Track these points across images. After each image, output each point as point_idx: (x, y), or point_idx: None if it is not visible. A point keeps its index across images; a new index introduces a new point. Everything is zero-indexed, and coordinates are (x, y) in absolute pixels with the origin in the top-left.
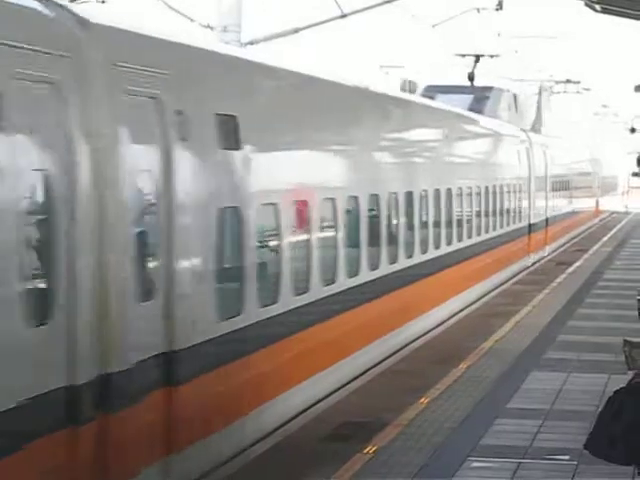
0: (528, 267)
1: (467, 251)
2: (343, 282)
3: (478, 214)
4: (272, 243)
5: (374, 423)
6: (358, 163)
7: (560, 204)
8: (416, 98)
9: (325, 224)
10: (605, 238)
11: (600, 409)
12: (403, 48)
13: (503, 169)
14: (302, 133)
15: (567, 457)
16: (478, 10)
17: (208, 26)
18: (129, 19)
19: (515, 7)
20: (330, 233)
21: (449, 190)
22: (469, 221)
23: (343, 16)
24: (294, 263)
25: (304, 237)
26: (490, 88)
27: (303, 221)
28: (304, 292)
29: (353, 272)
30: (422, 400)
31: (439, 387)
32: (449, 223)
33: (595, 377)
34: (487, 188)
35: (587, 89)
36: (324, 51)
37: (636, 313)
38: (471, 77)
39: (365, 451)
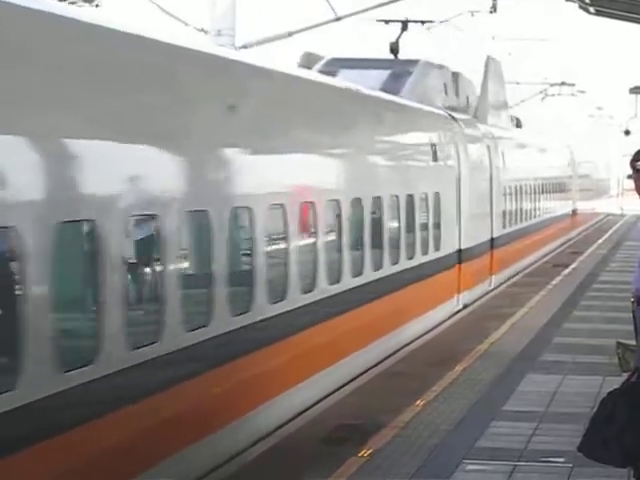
0: (455, 313)
1: (339, 302)
2: None
3: (357, 244)
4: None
5: (369, 425)
6: None
7: (515, 217)
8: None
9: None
10: (600, 240)
11: (594, 411)
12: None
13: (407, 172)
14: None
15: (562, 459)
16: (472, 13)
17: (202, 30)
18: None
19: (509, 10)
20: None
21: (303, 206)
22: (342, 254)
23: (337, 19)
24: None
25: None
26: (414, 62)
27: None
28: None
29: None
30: (418, 402)
31: (435, 389)
32: (303, 259)
33: (590, 379)
34: (375, 201)
35: (582, 91)
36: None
37: (630, 315)
38: (394, 49)
39: (360, 454)
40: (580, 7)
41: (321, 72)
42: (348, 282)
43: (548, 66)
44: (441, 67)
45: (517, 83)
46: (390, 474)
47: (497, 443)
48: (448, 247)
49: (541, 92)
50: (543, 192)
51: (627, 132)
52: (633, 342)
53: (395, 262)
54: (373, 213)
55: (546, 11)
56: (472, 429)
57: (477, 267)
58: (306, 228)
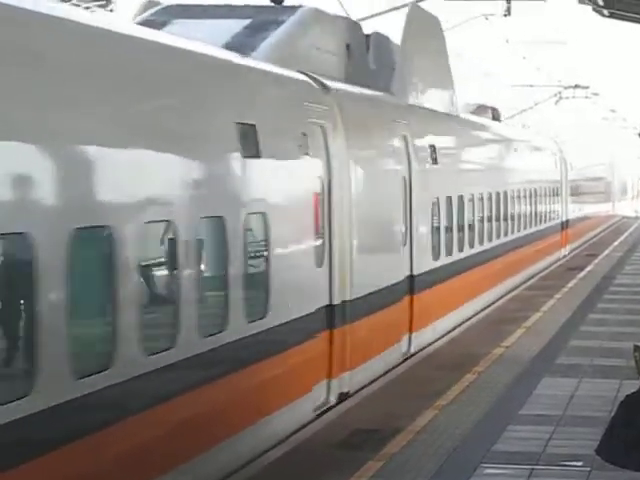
0: (326, 410)
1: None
2: None
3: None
4: None
5: (386, 430)
6: None
7: (460, 242)
8: None
9: None
10: (616, 243)
11: (613, 414)
12: None
13: (162, 180)
14: None
15: (580, 463)
16: (486, 17)
17: None
18: None
19: (523, 13)
20: None
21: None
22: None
23: None
24: None
25: None
26: (291, 10)
27: None
28: None
29: None
30: (434, 407)
31: (451, 394)
32: None
33: (607, 382)
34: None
35: (596, 94)
36: None
37: None
38: None
39: (377, 458)
40: (594, 10)
41: (146, 22)
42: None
43: (562, 69)
44: (342, 22)
45: (531, 86)
46: (407, 478)
47: (514, 447)
48: (297, 306)
49: (555, 95)
50: (511, 202)
51: None
52: None
53: (128, 365)
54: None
55: (560, 14)
56: (489, 433)
57: (376, 328)
58: None
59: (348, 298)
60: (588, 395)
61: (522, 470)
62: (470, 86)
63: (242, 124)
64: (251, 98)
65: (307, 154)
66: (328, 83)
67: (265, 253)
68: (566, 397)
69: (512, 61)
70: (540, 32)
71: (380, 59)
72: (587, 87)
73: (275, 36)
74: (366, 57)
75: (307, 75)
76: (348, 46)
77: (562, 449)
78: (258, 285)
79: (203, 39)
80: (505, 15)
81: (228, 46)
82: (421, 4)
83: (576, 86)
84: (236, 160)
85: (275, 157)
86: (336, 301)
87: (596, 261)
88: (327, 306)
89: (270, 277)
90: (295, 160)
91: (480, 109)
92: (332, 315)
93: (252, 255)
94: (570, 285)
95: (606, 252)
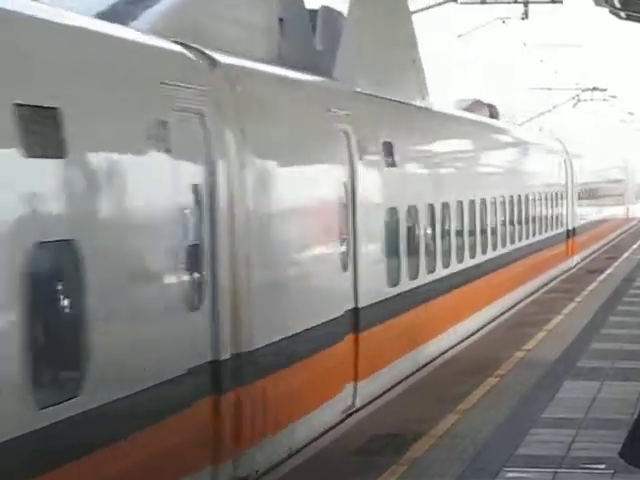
0: None
1: None
2: None
3: None
4: None
5: (408, 435)
6: None
7: (430, 260)
8: None
9: None
10: (635, 245)
11: (635, 416)
12: (429, 59)
13: None
14: None
15: (603, 466)
16: (503, 21)
17: None
18: None
19: (540, 16)
20: None
21: None
22: None
23: None
24: None
25: None
26: None
27: None
28: None
29: None
30: (456, 411)
31: (473, 398)
32: None
33: (629, 385)
34: None
35: (613, 96)
36: None
37: None
38: None
39: (400, 463)
40: (611, 12)
41: None
42: None
43: (579, 72)
44: None
45: (549, 89)
46: None
47: (537, 450)
48: (150, 372)
49: (573, 98)
50: (501, 211)
51: None
52: None
53: None
54: None
55: (577, 17)
56: (511, 437)
57: (296, 383)
58: None
59: (246, 349)
60: (610, 398)
61: (545, 474)
62: (486, 89)
63: (29, 107)
64: (55, 69)
65: (169, 152)
66: (219, 58)
67: (76, 300)
68: (588, 400)
69: (529, 64)
70: (557, 35)
71: (331, 39)
72: (605, 90)
73: (166, 3)
74: (310, 36)
75: (186, 46)
76: (281, 21)
77: (585, 452)
78: (62, 351)
79: (72, 7)
80: (522, 18)
81: (103, 15)
82: (439, 8)
83: (594, 89)
84: (13, 161)
85: (97, 157)
86: (224, 355)
87: (616, 264)
88: (211, 362)
89: (90, 335)
90: (142, 161)
91: (475, 105)
92: (217, 376)
93: (50, 305)
94: (590, 288)
95: (626, 255)
